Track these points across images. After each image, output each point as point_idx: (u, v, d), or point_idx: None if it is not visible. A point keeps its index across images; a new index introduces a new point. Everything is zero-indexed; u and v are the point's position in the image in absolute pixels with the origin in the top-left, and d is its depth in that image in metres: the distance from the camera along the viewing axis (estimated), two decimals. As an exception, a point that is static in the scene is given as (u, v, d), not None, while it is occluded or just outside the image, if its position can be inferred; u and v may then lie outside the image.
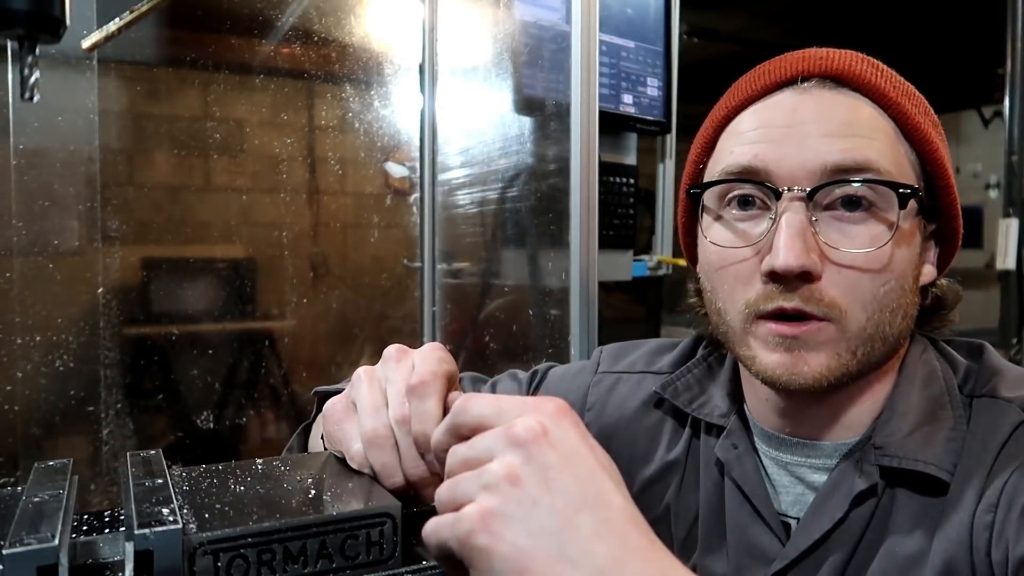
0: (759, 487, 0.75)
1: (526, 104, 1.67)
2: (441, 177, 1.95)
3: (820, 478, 0.73)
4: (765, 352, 0.68)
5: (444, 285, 1.96)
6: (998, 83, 2.79)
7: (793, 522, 0.74)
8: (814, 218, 0.66)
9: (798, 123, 0.68)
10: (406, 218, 2.00)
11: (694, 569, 0.76)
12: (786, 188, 0.66)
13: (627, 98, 1.73)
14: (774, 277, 0.66)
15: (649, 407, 0.87)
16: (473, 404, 0.49)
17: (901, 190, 0.66)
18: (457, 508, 0.46)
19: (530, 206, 1.70)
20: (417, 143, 1.96)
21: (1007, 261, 2.64)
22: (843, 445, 0.72)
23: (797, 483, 0.74)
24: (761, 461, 0.77)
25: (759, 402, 0.77)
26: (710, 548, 0.78)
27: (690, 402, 0.83)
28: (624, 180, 1.75)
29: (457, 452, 0.48)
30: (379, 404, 0.59)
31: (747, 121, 0.72)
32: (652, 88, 1.77)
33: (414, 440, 0.57)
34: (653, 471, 0.84)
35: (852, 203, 0.67)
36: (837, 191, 0.67)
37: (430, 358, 0.60)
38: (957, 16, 3.43)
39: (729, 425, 0.79)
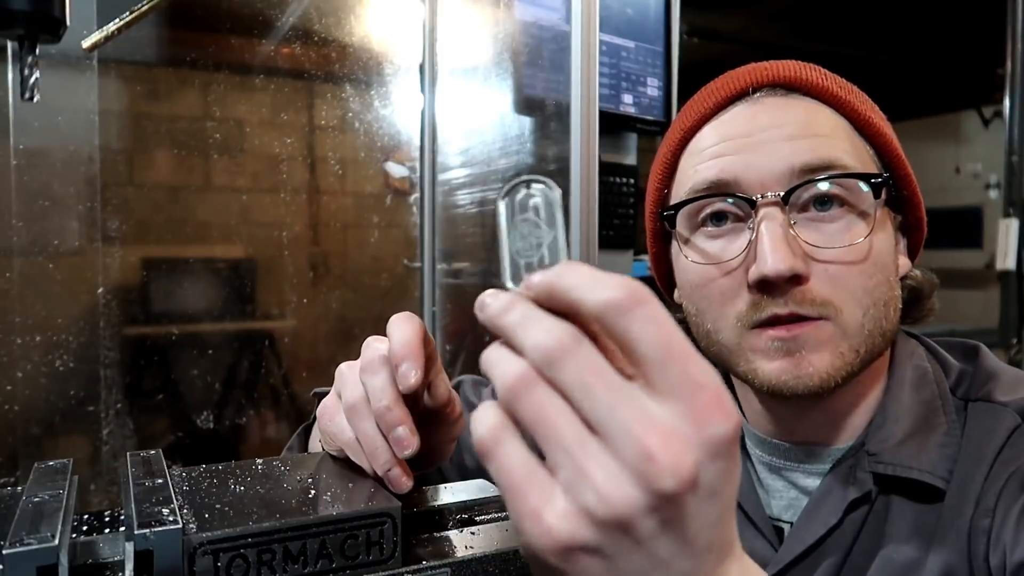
0: (750, 492, 0.75)
1: (526, 104, 1.67)
2: (441, 177, 1.95)
3: (813, 483, 0.72)
4: (765, 361, 0.66)
5: (444, 285, 1.96)
6: (998, 83, 2.79)
7: (786, 527, 0.73)
8: (792, 221, 0.66)
9: (758, 130, 0.68)
10: (406, 218, 2.00)
11: None
12: (759, 195, 0.66)
13: (627, 98, 1.73)
14: (763, 285, 0.65)
15: None
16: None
17: (873, 180, 0.67)
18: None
19: (530, 206, 1.70)
20: (417, 143, 1.96)
21: (1007, 261, 2.64)
22: (837, 450, 0.72)
23: (790, 487, 0.74)
24: (753, 466, 0.77)
25: (753, 410, 0.76)
26: None
27: None
28: (624, 180, 1.75)
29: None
30: (358, 381, 0.59)
31: (705, 138, 0.72)
32: (652, 88, 1.77)
33: (374, 414, 0.54)
34: None
35: (824, 202, 0.67)
36: (810, 191, 0.67)
37: (405, 328, 0.57)
38: (957, 16, 3.43)
39: None
